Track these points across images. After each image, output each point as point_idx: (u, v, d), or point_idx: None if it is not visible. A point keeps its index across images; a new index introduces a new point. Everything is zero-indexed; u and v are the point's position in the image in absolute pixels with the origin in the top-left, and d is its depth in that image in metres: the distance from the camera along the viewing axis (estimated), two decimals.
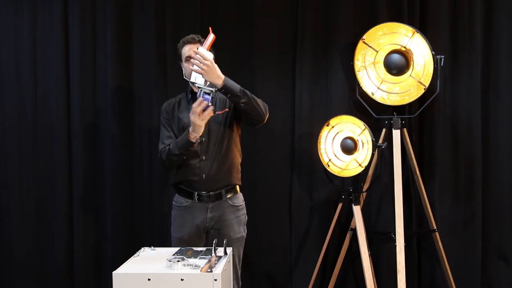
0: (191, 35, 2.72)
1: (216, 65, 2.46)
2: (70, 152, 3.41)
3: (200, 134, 2.57)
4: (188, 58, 2.66)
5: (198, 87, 2.48)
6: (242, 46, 3.39)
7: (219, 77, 2.47)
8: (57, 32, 3.39)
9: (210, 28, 2.60)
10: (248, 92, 2.54)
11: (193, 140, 2.57)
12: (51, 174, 3.42)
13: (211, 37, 2.53)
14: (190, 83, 2.62)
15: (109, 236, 3.40)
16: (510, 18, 3.30)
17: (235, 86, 2.51)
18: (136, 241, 3.35)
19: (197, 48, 2.49)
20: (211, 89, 2.48)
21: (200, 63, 2.43)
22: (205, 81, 2.47)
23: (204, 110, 2.47)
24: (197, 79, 2.47)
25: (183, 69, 2.74)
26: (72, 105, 3.41)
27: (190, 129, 2.55)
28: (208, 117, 2.51)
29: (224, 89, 2.48)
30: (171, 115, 2.76)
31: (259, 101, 2.60)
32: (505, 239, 3.35)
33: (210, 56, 2.47)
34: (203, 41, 2.66)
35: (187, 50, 2.69)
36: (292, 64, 3.41)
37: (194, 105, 2.48)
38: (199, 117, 2.48)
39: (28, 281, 3.45)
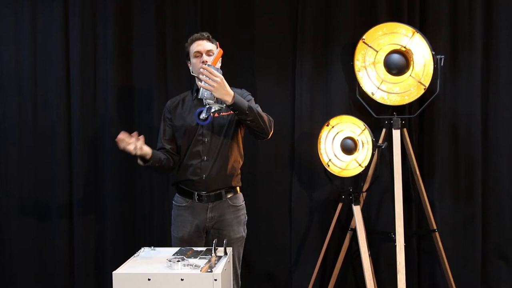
0: (199, 33, 2.72)
1: (225, 82, 2.44)
2: (70, 152, 3.42)
3: (145, 156, 2.59)
4: (197, 53, 2.68)
5: (208, 104, 2.46)
6: (242, 46, 3.39)
7: (229, 94, 2.44)
8: (57, 32, 3.39)
9: (218, 43, 2.64)
10: (255, 109, 2.54)
11: (140, 163, 2.64)
12: (51, 174, 3.43)
13: (218, 52, 2.53)
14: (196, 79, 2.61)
15: (109, 236, 3.40)
16: (510, 18, 3.30)
17: (243, 103, 2.50)
18: (136, 241, 3.35)
19: (205, 64, 2.49)
20: (220, 105, 2.47)
21: (209, 79, 2.41)
22: (214, 97, 2.46)
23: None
24: (205, 95, 2.45)
25: (190, 66, 2.75)
26: (72, 105, 3.41)
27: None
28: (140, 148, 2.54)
29: (233, 106, 2.47)
30: (173, 114, 2.76)
31: (265, 117, 2.61)
32: (505, 239, 3.35)
33: (219, 72, 2.45)
34: (212, 39, 2.70)
35: (196, 46, 2.70)
36: (292, 64, 3.41)
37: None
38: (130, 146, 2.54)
39: (28, 281, 3.45)
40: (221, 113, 2.67)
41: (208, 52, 2.69)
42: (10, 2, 3.42)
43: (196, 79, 2.73)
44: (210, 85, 2.40)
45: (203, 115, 2.46)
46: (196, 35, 2.72)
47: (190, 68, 2.76)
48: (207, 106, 2.46)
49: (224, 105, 2.47)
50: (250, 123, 2.55)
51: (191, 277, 1.89)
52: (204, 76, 2.42)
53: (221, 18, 3.40)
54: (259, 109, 2.66)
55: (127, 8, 3.39)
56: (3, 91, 3.43)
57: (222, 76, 2.43)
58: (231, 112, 2.67)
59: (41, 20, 3.42)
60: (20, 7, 3.41)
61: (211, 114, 2.47)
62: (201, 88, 2.46)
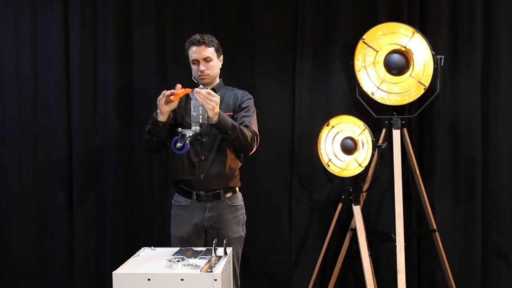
0: (197, 36, 2.70)
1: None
2: (70, 152, 3.41)
3: (164, 119, 2.58)
4: (195, 61, 2.69)
5: (181, 132, 2.46)
6: (242, 46, 3.39)
7: (217, 114, 2.50)
8: (57, 32, 3.39)
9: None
10: (238, 128, 2.57)
11: (160, 120, 2.58)
12: (51, 174, 3.43)
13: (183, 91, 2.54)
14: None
15: (109, 236, 3.40)
16: (510, 18, 3.30)
17: (228, 123, 2.54)
18: (136, 241, 3.35)
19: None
20: (194, 130, 2.47)
21: (209, 100, 2.45)
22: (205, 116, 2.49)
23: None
24: (195, 114, 2.49)
25: (194, 89, 2.74)
26: (72, 105, 3.41)
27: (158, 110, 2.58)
28: (172, 107, 2.55)
29: (217, 125, 2.53)
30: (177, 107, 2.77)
31: (248, 136, 2.62)
32: (505, 239, 3.34)
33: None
34: (209, 42, 2.67)
35: (193, 52, 2.69)
36: (292, 64, 3.41)
37: (166, 92, 2.52)
38: (164, 103, 2.52)
39: (28, 281, 3.45)
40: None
41: (206, 59, 2.68)
42: (10, 2, 3.42)
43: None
44: (208, 103, 2.44)
45: (178, 144, 2.43)
46: (193, 38, 2.69)
47: (193, 73, 2.77)
48: (181, 134, 2.45)
49: (198, 128, 2.47)
50: (232, 141, 2.60)
51: (191, 277, 1.89)
52: (201, 95, 2.45)
53: (221, 18, 3.40)
54: (252, 119, 2.69)
55: (127, 8, 3.39)
56: (3, 91, 3.43)
57: (219, 97, 2.50)
58: (231, 113, 2.69)
59: (41, 20, 3.41)
60: (20, 7, 3.41)
61: (187, 141, 2.44)
62: (193, 106, 2.47)
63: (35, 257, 3.45)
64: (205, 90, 2.48)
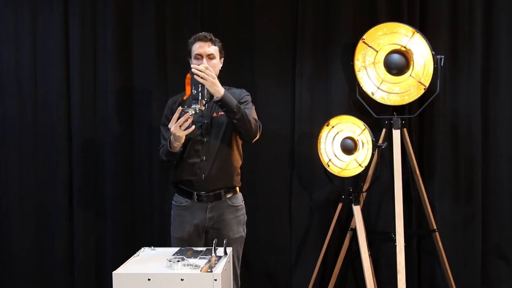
0: (203, 33, 2.71)
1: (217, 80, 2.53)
2: (70, 152, 3.41)
3: (182, 142, 2.58)
4: (198, 56, 2.69)
5: (184, 111, 2.48)
6: (242, 46, 3.39)
7: (220, 89, 2.50)
8: (57, 32, 3.39)
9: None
10: (243, 110, 2.57)
11: (175, 150, 2.60)
12: (51, 174, 3.42)
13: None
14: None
15: (109, 236, 3.40)
16: (510, 18, 3.30)
17: (232, 101, 2.54)
18: (136, 241, 3.35)
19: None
20: (194, 108, 2.47)
21: (206, 75, 2.46)
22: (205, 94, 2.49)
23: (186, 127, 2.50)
24: (195, 92, 2.48)
25: (191, 64, 2.74)
26: (72, 105, 3.41)
27: (172, 138, 2.56)
28: (190, 130, 2.52)
29: (221, 102, 2.52)
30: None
31: (252, 121, 2.63)
32: (505, 239, 3.34)
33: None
34: (215, 40, 2.70)
35: (197, 47, 2.69)
36: (292, 64, 3.41)
37: (175, 115, 2.50)
38: (180, 128, 2.49)
39: (28, 281, 3.45)
40: (220, 113, 2.66)
41: (209, 56, 2.68)
42: (10, 2, 3.42)
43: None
44: (205, 78, 2.45)
45: None
46: (200, 35, 2.71)
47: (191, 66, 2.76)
48: (183, 112, 2.47)
49: (198, 107, 2.47)
50: (236, 122, 2.58)
51: (191, 277, 1.89)
52: (200, 72, 2.46)
53: (221, 18, 3.40)
54: (252, 111, 2.69)
55: (127, 8, 3.39)
56: (3, 91, 3.43)
57: (213, 71, 2.53)
58: None
59: (41, 20, 3.41)
60: (20, 7, 3.41)
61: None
62: (193, 84, 2.47)
63: (35, 257, 3.45)
64: (202, 65, 2.49)
